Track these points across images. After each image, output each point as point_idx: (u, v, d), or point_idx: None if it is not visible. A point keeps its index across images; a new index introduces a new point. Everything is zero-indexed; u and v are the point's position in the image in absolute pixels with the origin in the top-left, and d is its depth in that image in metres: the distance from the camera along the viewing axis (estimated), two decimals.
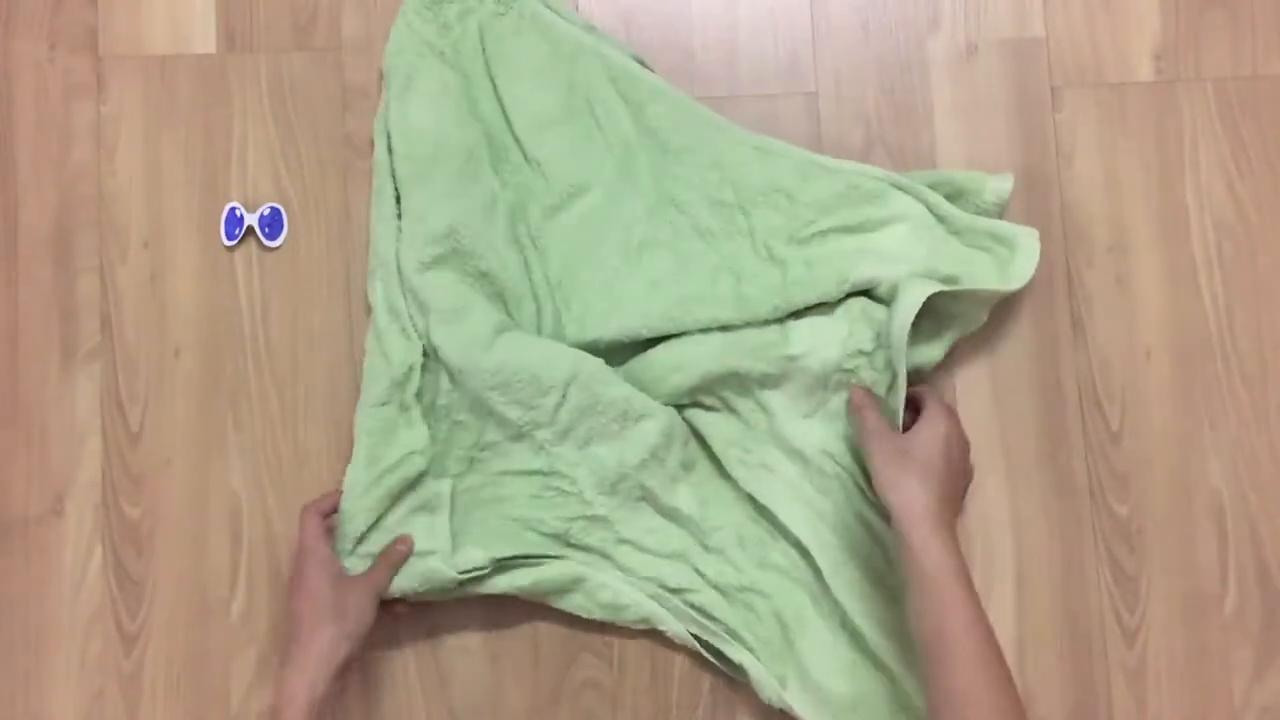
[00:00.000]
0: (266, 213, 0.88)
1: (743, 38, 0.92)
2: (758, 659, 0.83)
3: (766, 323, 0.85)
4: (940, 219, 0.85)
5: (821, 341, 0.84)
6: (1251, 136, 0.91)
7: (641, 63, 0.90)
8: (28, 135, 0.90)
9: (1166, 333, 0.89)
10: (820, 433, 0.86)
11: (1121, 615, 0.87)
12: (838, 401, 0.86)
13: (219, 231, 0.89)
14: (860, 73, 0.92)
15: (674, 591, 0.85)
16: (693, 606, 0.84)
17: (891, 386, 0.84)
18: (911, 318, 0.80)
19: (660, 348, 0.85)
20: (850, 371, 0.85)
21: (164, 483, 0.87)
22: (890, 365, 0.83)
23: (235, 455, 0.87)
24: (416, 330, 0.85)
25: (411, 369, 0.85)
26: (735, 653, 0.83)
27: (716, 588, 0.85)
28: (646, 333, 0.85)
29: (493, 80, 0.89)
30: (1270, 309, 0.89)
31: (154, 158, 0.90)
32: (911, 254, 0.84)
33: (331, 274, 0.89)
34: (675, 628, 0.84)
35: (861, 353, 0.84)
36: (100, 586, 0.86)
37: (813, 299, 0.84)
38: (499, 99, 0.89)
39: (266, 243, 0.88)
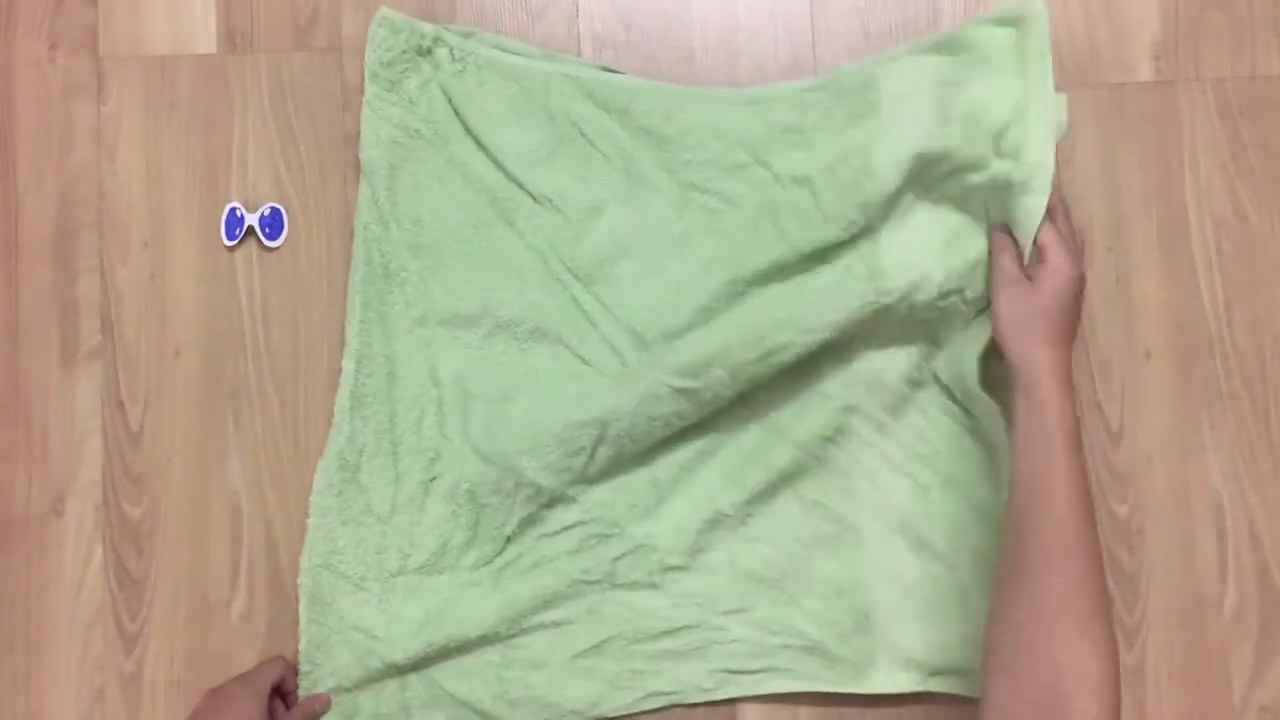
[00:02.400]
0: (267, 213, 0.88)
1: (743, 38, 0.92)
2: (829, 656, 0.83)
3: (828, 249, 0.83)
4: (935, 50, 0.83)
5: (918, 287, 0.81)
6: (1251, 136, 0.91)
7: (608, 69, 0.90)
8: (28, 135, 0.90)
9: (1166, 333, 0.89)
10: (905, 360, 0.86)
11: (1121, 615, 0.87)
12: (918, 333, 0.85)
13: (219, 231, 0.89)
14: None
15: (729, 614, 0.84)
16: (750, 625, 0.84)
17: (982, 311, 0.84)
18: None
19: (750, 325, 0.82)
20: (942, 309, 0.83)
21: (164, 483, 0.87)
22: (980, 299, 0.83)
23: (235, 455, 0.87)
24: (443, 413, 0.86)
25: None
26: (807, 681, 0.84)
27: (768, 587, 0.84)
28: (715, 303, 0.84)
29: (475, 137, 0.88)
30: (1270, 309, 0.89)
31: (154, 158, 0.90)
32: (918, 116, 0.80)
33: (331, 274, 0.89)
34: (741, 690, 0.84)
35: (955, 291, 0.82)
36: (100, 586, 0.86)
37: (851, 199, 0.80)
38: (487, 153, 0.88)
39: (267, 243, 0.88)
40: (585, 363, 0.86)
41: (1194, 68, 0.91)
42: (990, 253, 0.82)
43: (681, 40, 0.92)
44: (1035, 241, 0.79)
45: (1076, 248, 0.80)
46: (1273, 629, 0.86)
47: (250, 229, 0.88)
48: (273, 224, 0.88)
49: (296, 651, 0.83)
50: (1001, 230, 0.81)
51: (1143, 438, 0.88)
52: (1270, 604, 0.87)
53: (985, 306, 0.83)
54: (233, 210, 0.88)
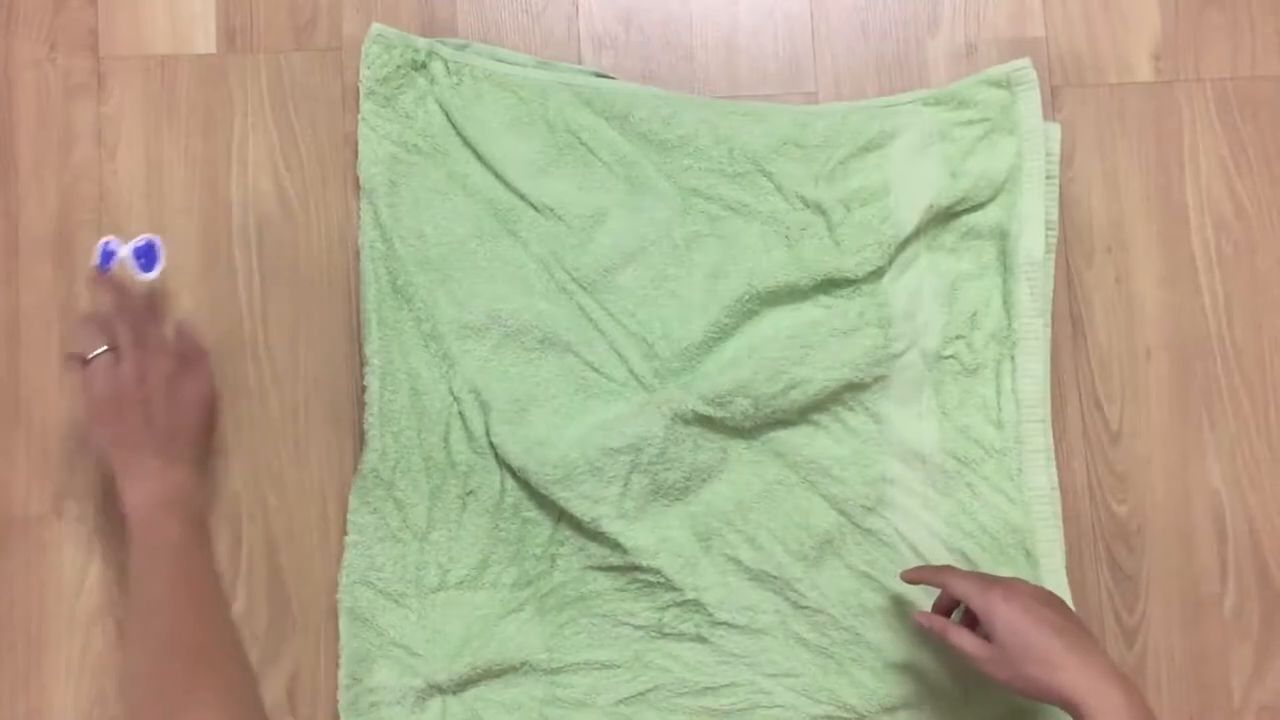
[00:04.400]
0: (141, 244, 0.88)
1: (743, 38, 0.92)
2: None
3: (840, 282, 0.85)
4: (936, 103, 0.87)
5: (921, 333, 0.85)
6: (1251, 136, 0.91)
7: (603, 75, 0.90)
8: (28, 135, 0.90)
9: (1166, 332, 0.89)
10: (937, 430, 0.86)
11: (1121, 615, 0.87)
12: (946, 394, 0.86)
13: (217, 231, 0.88)
14: (860, 73, 0.92)
15: (775, 676, 0.83)
16: (796, 691, 0.83)
17: (1009, 356, 0.85)
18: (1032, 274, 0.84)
19: (772, 359, 0.83)
20: (950, 358, 0.85)
21: None
22: (996, 338, 0.85)
23: (236, 455, 0.87)
24: (468, 428, 0.85)
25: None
26: None
27: (817, 654, 0.83)
28: (729, 319, 0.85)
29: (473, 149, 0.87)
30: (1270, 309, 0.89)
31: (154, 158, 0.90)
32: (930, 170, 0.85)
33: (331, 274, 0.89)
34: None
35: (959, 338, 0.86)
36: (100, 586, 0.86)
37: (867, 244, 0.84)
38: (487, 164, 0.87)
39: (142, 275, 0.87)
40: (595, 370, 0.85)
41: (1194, 68, 0.92)
42: (944, 641, 0.75)
43: (681, 40, 0.92)
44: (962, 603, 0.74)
45: (984, 581, 0.72)
46: (1273, 629, 0.87)
47: (122, 260, 0.87)
48: (147, 256, 0.88)
49: (337, 665, 0.84)
50: (923, 615, 0.76)
51: (1143, 438, 0.88)
52: (1270, 604, 0.87)
53: (1008, 353, 0.86)
54: (106, 245, 0.87)
